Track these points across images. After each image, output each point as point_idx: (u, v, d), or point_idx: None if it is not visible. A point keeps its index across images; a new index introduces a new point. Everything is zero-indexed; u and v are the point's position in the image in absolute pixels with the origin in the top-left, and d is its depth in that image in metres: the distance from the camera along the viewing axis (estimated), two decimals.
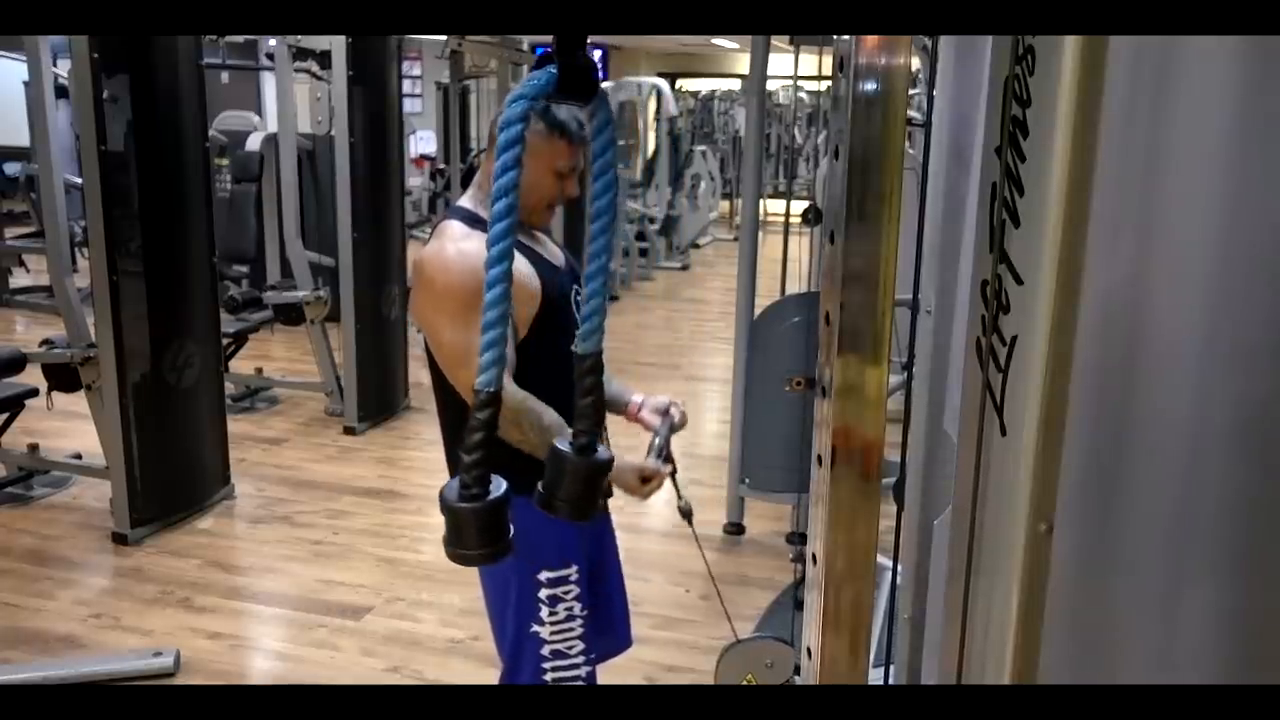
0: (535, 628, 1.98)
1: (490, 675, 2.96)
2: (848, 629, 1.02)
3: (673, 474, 2.01)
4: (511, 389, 1.82)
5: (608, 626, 2.17)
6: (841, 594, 1.01)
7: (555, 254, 2.04)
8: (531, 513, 1.89)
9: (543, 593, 1.96)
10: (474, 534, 0.94)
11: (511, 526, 0.95)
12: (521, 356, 1.85)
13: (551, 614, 1.97)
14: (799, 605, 2.05)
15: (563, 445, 1.02)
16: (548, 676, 2.00)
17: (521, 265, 1.89)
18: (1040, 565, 0.76)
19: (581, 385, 0.98)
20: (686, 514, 2.10)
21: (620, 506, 2.19)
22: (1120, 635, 0.89)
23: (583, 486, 1.02)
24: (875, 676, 1.20)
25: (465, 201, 1.99)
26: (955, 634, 0.84)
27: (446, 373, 1.91)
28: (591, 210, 0.99)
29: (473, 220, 1.92)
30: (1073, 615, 0.86)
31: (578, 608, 1.99)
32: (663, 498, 4.61)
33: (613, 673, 2.19)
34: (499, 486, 0.93)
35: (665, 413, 2.09)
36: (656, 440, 2.01)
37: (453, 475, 2.08)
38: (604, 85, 0.91)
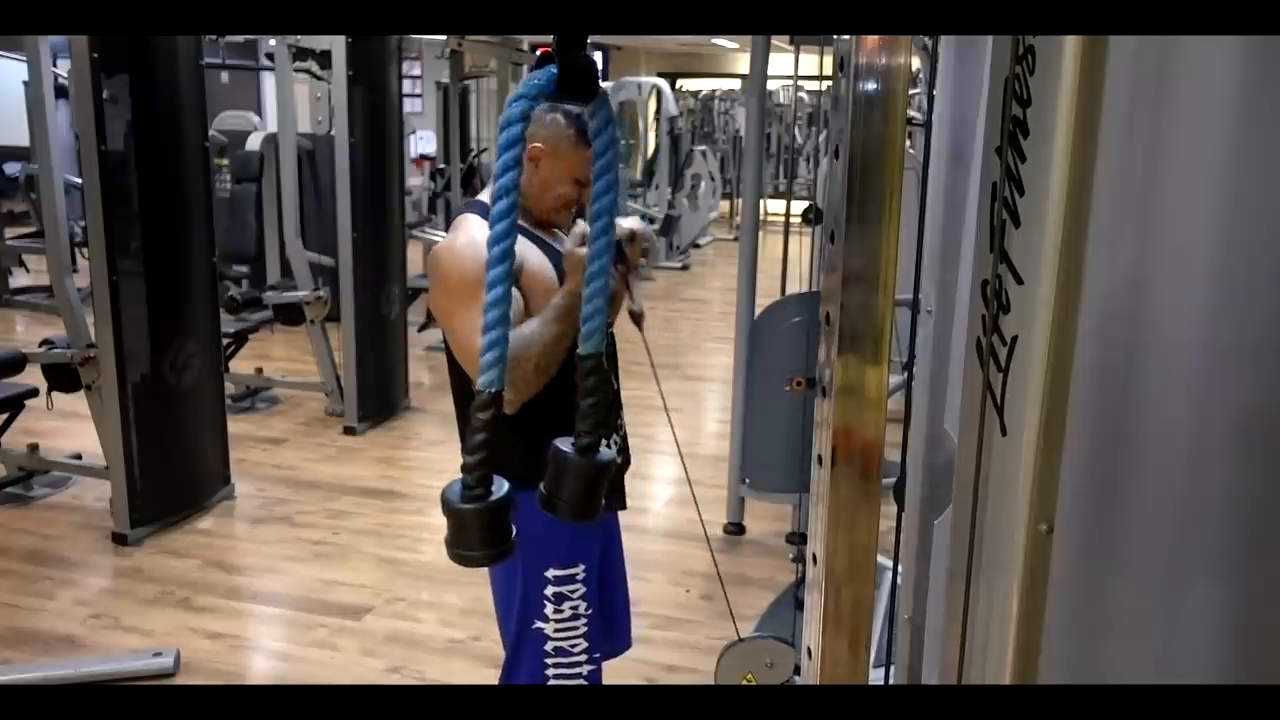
0: (539, 624, 1.98)
1: (490, 675, 2.96)
2: (848, 629, 1.02)
3: (624, 271, 1.84)
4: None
5: (611, 628, 2.17)
6: (841, 594, 1.01)
7: None
8: (536, 509, 1.89)
9: (549, 590, 1.96)
10: (476, 535, 0.93)
11: (515, 527, 0.95)
12: None
13: (557, 611, 1.97)
14: (799, 605, 2.05)
15: (564, 446, 1.01)
16: (549, 673, 2.00)
17: (538, 259, 1.90)
18: (1040, 565, 0.76)
19: (583, 386, 0.98)
20: (637, 317, 1.95)
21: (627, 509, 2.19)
22: (1120, 635, 0.89)
23: (584, 486, 1.02)
24: (875, 676, 1.20)
25: (484, 196, 1.99)
26: (955, 634, 0.84)
27: (462, 359, 1.90)
28: (592, 210, 0.98)
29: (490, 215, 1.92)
30: (1073, 615, 0.86)
31: (583, 606, 1.99)
32: (664, 498, 4.58)
33: (612, 673, 2.18)
34: (501, 487, 0.93)
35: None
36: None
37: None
38: (604, 85, 0.91)
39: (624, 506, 2.13)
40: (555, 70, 0.86)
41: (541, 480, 1.02)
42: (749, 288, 3.95)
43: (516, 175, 0.88)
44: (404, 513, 4.29)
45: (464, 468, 0.90)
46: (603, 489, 1.05)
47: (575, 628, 1.99)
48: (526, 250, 1.89)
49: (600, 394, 0.99)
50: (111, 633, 3.26)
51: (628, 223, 1.94)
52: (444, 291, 1.90)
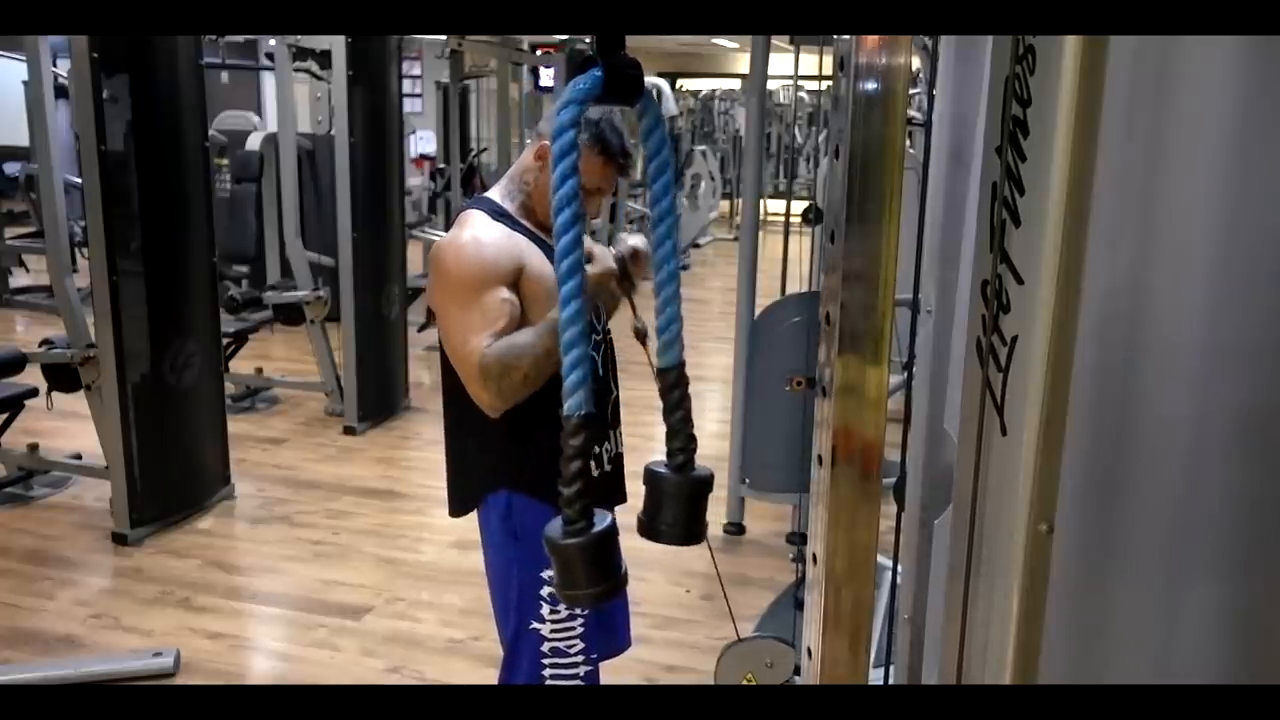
0: (535, 625, 1.98)
1: (490, 675, 2.96)
2: (848, 629, 1.02)
3: (628, 289, 1.89)
4: (486, 349, 1.79)
5: (609, 627, 2.17)
6: (841, 594, 1.01)
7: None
8: (533, 510, 1.88)
9: (544, 590, 1.96)
10: (585, 571, 0.88)
11: (623, 560, 0.90)
12: None
13: (553, 612, 1.97)
14: (799, 605, 2.05)
15: (659, 468, 0.96)
16: (546, 674, 2.00)
17: (540, 263, 1.89)
18: (1040, 565, 0.76)
19: (669, 400, 0.93)
20: (641, 335, 1.98)
21: (622, 506, 2.19)
22: (1120, 635, 0.89)
23: (688, 507, 0.97)
24: (875, 676, 1.20)
25: (493, 194, 1.99)
26: (955, 634, 0.83)
27: (451, 356, 1.89)
28: (654, 214, 0.95)
29: (497, 213, 1.91)
30: (1073, 615, 0.86)
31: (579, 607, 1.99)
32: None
33: (612, 673, 2.18)
34: (604, 519, 0.88)
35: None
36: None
37: (451, 469, 2.08)
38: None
39: (624, 500, 2.12)
40: (600, 73, 0.84)
41: (532, 479, 1.00)
42: (749, 288, 3.95)
43: (576, 184, 0.86)
44: (404, 513, 4.29)
45: (563, 500, 0.85)
46: (705, 507, 1.00)
47: (571, 628, 1.99)
48: (528, 253, 1.88)
49: (688, 406, 0.94)
50: (111, 633, 3.26)
51: (632, 240, 1.96)
52: (442, 285, 1.89)
